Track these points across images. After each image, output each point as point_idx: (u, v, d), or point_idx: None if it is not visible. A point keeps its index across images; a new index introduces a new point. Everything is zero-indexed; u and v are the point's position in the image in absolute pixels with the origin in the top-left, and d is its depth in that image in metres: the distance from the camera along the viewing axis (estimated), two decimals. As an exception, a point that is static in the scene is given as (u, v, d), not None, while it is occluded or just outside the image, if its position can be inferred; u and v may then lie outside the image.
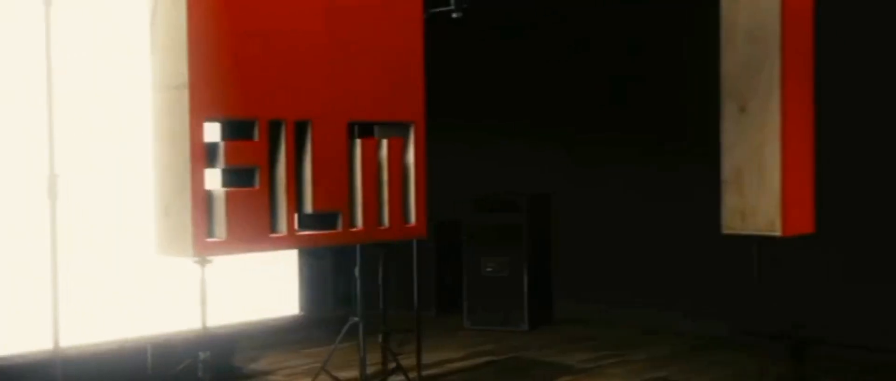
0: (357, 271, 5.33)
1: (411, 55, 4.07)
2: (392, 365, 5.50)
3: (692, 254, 6.85)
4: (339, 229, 3.82)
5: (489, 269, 7.45)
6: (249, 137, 3.58)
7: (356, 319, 5.15)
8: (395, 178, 4.00)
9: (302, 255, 5.44)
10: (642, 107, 7.27)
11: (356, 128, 3.88)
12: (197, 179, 3.40)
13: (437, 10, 4.43)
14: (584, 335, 7.17)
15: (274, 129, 3.65)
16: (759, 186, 3.24)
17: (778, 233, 3.26)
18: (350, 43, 3.83)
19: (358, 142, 3.92)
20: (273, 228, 3.64)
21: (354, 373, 5.39)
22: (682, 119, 6.83)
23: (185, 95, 3.39)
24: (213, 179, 3.52)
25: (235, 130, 3.57)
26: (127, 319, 4.33)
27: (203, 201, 3.42)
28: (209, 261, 3.58)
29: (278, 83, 3.64)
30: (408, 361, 5.60)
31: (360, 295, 5.30)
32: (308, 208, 3.74)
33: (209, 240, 3.46)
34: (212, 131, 3.54)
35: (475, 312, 7.47)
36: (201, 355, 3.76)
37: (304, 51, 3.70)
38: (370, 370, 5.42)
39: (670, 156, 7.02)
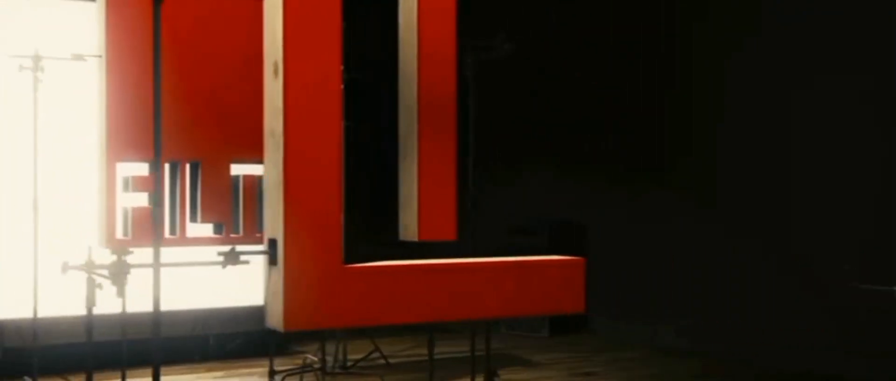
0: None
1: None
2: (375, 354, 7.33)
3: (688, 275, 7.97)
4: (223, 234, 5.68)
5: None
6: (151, 172, 5.53)
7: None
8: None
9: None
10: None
11: (238, 166, 5.73)
12: (110, 200, 5.41)
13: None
14: (580, 340, 8.48)
15: (173, 166, 5.58)
16: (409, 208, 4.68)
17: (415, 239, 4.70)
18: (233, 105, 5.67)
19: (241, 176, 5.76)
20: (170, 233, 5.57)
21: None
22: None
23: (105, 147, 5.42)
24: (128, 199, 5.50)
25: (143, 168, 5.55)
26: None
27: (113, 213, 5.42)
28: (130, 252, 5.57)
29: (175, 136, 5.57)
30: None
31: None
32: (198, 219, 5.63)
33: (119, 238, 5.45)
34: (130, 168, 5.53)
35: (510, 319, 8.96)
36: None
37: (194, 113, 5.62)
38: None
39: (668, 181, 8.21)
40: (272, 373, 6.16)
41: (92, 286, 4.40)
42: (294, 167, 3.76)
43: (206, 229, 5.73)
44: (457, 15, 4.71)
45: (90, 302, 4.49)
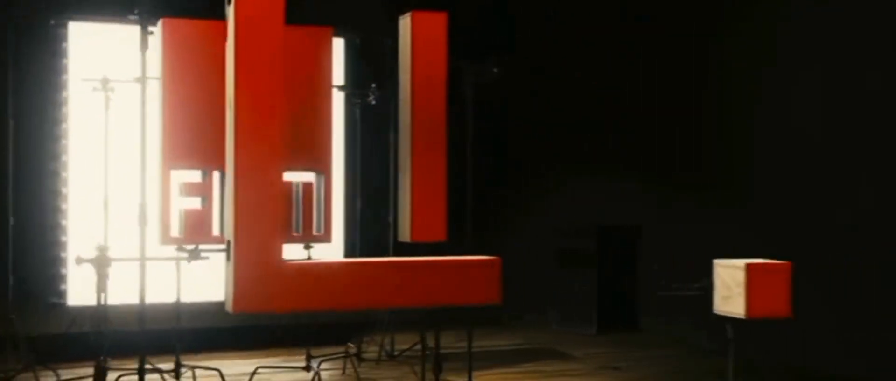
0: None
1: (323, 126, 6.55)
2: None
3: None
4: (263, 234, 6.43)
5: (571, 283, 9.45)
6: (202, 179, 6.34)
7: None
8: (306, 205, 6.51)
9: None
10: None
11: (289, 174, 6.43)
12: (165, 201, 6.24)
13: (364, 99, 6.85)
14: (620, 338, 8.97)
15: (223, 175, 6.36)
16: (404, 213, 5.32)
17: (408, 240, 5.33)
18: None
19: (300, 183, 6.46)
20: (219, 232, 6.36)
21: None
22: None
23: (160, 157, 6.26)
24: (181, 202, 6.31)
25: (195, 176, 6.36)
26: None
27: (168, 214, 6.24)
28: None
29: (222, 148, 6.35)
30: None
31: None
32: (243, 221, 6.39)
33: (172, 235, 6.27)
34: (183, 175, 6.34)
35: (562, 315, 9.51)
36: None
37: (239, 129, 6.38)
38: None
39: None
40: (309, 358, 6.91)
41: (103, 278, 5.22)
42: (242, 187, 4.54)
43: (251, 230, 6.50)
44: (448, 44, 5.34)
45: (100, 289, 5.30)
